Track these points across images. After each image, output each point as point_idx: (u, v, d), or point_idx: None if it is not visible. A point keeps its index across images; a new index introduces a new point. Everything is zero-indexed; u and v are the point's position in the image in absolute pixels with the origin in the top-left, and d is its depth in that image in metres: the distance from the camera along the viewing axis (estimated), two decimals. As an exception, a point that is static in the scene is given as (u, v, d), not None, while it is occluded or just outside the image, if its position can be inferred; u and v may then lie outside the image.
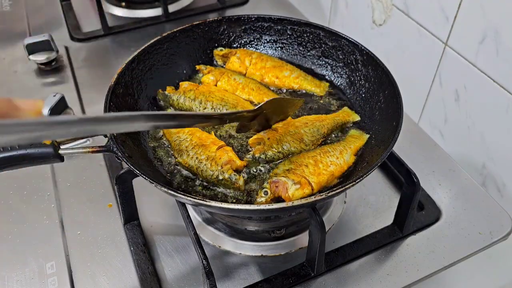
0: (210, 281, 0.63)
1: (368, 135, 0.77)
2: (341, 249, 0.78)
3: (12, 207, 0.85)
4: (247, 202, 0.68)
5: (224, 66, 0.92)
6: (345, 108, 0.83)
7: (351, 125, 0.81)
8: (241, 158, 0.72)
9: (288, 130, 0.75)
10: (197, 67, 0.90)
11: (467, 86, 0.95)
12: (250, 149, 0.75)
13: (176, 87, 0.86)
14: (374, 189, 0.89)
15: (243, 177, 0.69)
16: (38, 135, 0.37)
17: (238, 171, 0.70)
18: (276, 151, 0.72)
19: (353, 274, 0.75)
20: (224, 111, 0.79)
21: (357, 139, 0.76)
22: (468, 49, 0.92)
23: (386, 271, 0.75)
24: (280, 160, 0.72)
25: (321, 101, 0.86)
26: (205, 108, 0.80)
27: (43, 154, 0.63)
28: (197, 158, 0.71)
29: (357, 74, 0.85)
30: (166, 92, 0.83)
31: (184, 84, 0.85)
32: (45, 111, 0.94)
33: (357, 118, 0.81)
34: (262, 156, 0.71)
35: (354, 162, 0.73)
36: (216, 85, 0.87)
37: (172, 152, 0.75)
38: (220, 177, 0.68)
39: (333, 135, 0.79)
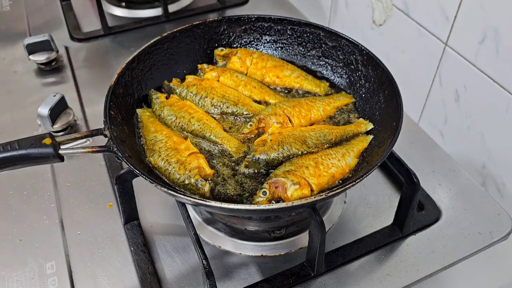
0: (210, 281, 0.63)
1: (371, 136, 0.77)
2: (341, 249, 0.78)
3: (12, 207, 0.85)
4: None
5: (225, 66, 0.92)
6: (361, 119, 0.81)
7: (364, 134, 0.79)
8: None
9: (293, 133, 0.74)
10: (199, 66, 0.90)
11: (467, 86, 0.95)
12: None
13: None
14: (374, 189, 0.89)
15: (209, 184, 0.69)
16: None
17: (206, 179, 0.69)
18: (277, 151, 0.71)
19: (353, 274, 0.75)
20: (225, 108, 0.80)
21: (361, 142, 0.76)
22: (468, 49, 0.92)
23: (386, 271, 0.75)
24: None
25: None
26: (203, 104, 0.81)
27: (43, 154, 0.63)
28: (167, 160, 0.70)
29: (357, 74, 0.85)
30: (171, 84, 0.84)
31: (189, 78, 0.86)
32: (45, 111, 0.94)
33: (370, 126, 0.79)
34: (262, 157, 0.71)
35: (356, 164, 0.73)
36: (218, 80, 0.87)
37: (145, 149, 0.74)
38: (186, 182, 0.68)
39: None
